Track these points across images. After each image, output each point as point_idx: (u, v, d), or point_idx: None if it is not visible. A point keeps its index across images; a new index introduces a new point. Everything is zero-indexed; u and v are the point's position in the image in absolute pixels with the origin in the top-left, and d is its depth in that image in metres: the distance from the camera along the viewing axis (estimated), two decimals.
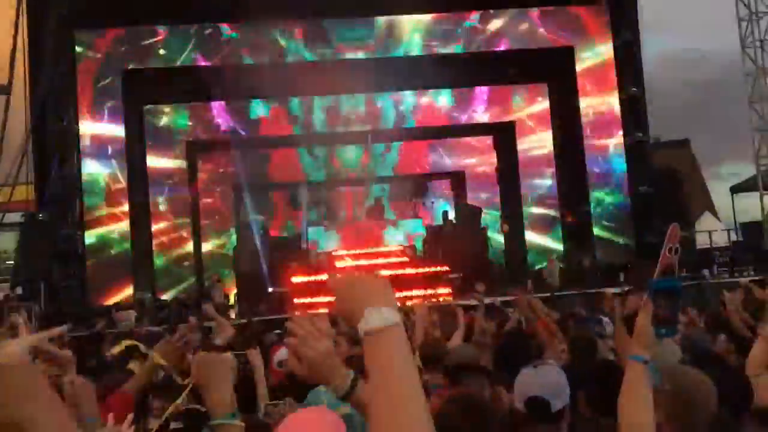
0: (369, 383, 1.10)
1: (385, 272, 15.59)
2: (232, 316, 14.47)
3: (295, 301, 14.98)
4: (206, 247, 19.68)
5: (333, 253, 17.02)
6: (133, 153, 17.31)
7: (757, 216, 18.07)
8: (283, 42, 18.31)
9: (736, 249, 17.74)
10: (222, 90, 17.10)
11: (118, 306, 15.42)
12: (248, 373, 3.85)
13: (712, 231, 19.27)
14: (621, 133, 18.44)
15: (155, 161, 18.53)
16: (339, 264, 16.25)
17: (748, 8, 17.63)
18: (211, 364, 1.84)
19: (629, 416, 1.86)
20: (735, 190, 21.38)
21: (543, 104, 20.10)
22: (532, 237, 19.87)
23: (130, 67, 17.46)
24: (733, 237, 19.50)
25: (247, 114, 19.84)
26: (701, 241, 18.43)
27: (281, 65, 17.96)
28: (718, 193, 27.54)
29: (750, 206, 19.76)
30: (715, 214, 24.37)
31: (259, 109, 19.85)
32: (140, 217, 17.37)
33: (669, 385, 2.35)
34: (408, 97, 20.48)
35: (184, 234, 18.67)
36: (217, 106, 19.41)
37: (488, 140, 21.83)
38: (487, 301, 10.71)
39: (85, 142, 17.03)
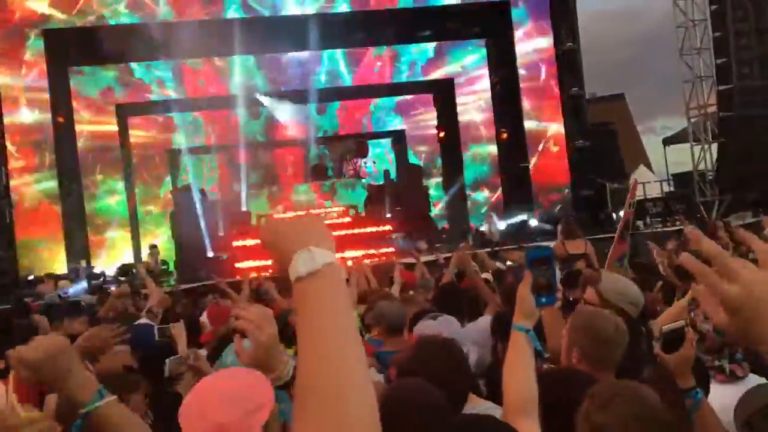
0: (298, 336, 0.94)
1: None
2: (172, 282, 14.19)
3: (237, 265, 14.80)
4: (141, 212, 19.22)
5: (274, 215, 16.82)
6: (59, 115, 16.54)
7: (689, 166, 18.63)
8: None
9: (669, 199, 18.29)
10: (150, 50, 16.44)
11: (57, 276, 14.93)
12: (172, 346, 3.71)
13: (646, 182, 19.81)
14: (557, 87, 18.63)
15: (84, 125, 17.84)
16: None
17: None
18: (49, 358, 1.67)
19: (514, 385, 1.93)
20: (667, 142, 21.96)
21: (481, 61, 20.11)
22: (474, 194, 20.10)
23: (51, 26, 16.59)
24: (666, 188, 20.09)
25: (179, 75, 19.22)
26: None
27: (214, 23, 17.36)
28: (651, 146, 28.36)
29: (682, 157, 20.35)
30: (648, 166, 25.06)
31: (191, 69, 19.24)
32: (71, 183, 16.71)
33: (585, 325, 2.46)
34: (344, 56, 20.18)
35: (118, 200, 18.15)
36: (146, 67, 18.73)
37: (428, 98, 21.82)
38: (430, 258, 10.82)
39: (8, 105, 16.18)
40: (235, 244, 15.30)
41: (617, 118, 25.83)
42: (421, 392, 1.94)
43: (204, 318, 5.20)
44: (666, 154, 21.80)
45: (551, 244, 7.26)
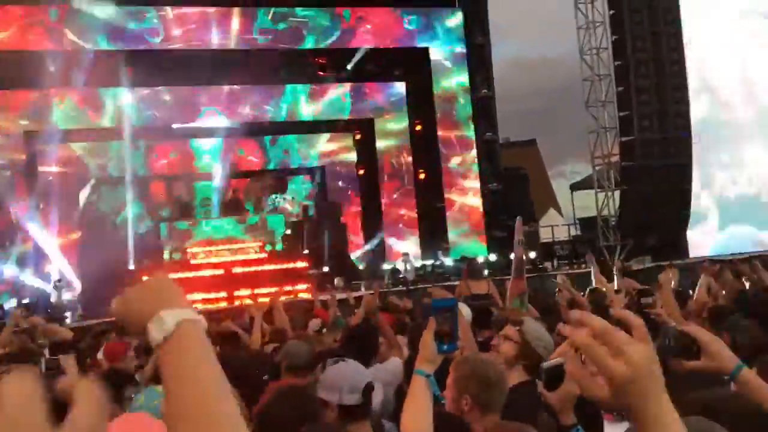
0: (167, 401, 0.92)
1: (242, 269, 15.43)
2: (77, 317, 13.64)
3: None
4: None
5: (188, 250, 16.48)
6: None
7: (594, 212, 19.54)
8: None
9: (575, 242, 19.10)
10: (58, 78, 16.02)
11: None
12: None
13: (554, 226, 20.64)
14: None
15: None
16: (194, 261, 15.79)
17: (586, 17, 18.99)
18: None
19: (410, 425, 2.00)
20: (574, 187, 23.00)
21: (399, 103, 20.59)
22: (390, 233, 20.33)
23: None
24: (573, 231, 20.97)
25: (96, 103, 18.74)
26: (544, 235, 19.68)
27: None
28: (560, 190, 29.57)
29: (588, 202, 21.30)
30: (558, 209, 26.12)
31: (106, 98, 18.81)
32: None
33: (474, 372, 2.57)
34: (271, 91, 20.25)
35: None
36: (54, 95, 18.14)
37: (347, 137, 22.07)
38: (342, 296, 10.88)
39: None
40: (145, 279, 14.85)
41: (529, 162, 26.92)
42: None
43: (100, 355, 5.06)
44: (573, 198, 22.80)
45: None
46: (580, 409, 2.46)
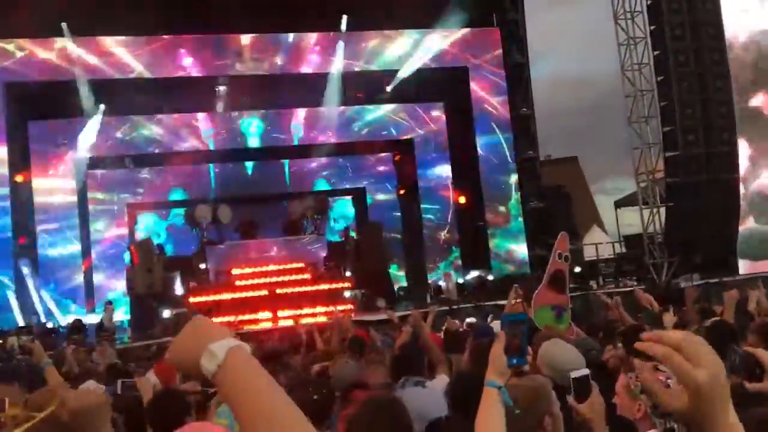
0: (238, 419, 1.03)
1: (286, 290, 15.57)
2: (126, 339, 13.93)
3: None
4: (98, 269, 18.90)
5: (232, 272, 16.71)
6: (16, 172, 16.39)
7: (639, 229, 19.22)
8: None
9: (620, 260, 18.79)
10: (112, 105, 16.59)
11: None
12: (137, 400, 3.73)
13: (599, 244, 20.35)
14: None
15: (40, 181, 17.69)
16: (239, 283, 16.00)
17: (626, 33, 18.84)
18: (88, 411, 1.69)
19: None
20: (619, 204, 22.66)
21: (439, 123, 20.68)
22: (432, 252, 20.33)
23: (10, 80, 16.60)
24: (618, 249, 20.64)
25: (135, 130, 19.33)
26: (588, 253, 19.41)
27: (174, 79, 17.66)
28: (603, 207, 29.15)
29: (633, 219, 20.96)
30: (601, 227, 25.73)
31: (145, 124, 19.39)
32: (26, 238, 16.42)
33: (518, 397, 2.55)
34: (307, 113, 20.58)
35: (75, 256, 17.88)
36: (106, 121, 18.76)
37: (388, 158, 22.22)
38: (384, 317, 10.91)
39: None
40: (192, 300, 15.14)
41: (570, 179, 26.62)
42: None
43: (151, 375, 5.17)
44: (617, 216, 22.47)
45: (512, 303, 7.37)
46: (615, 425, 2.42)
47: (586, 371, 2.50)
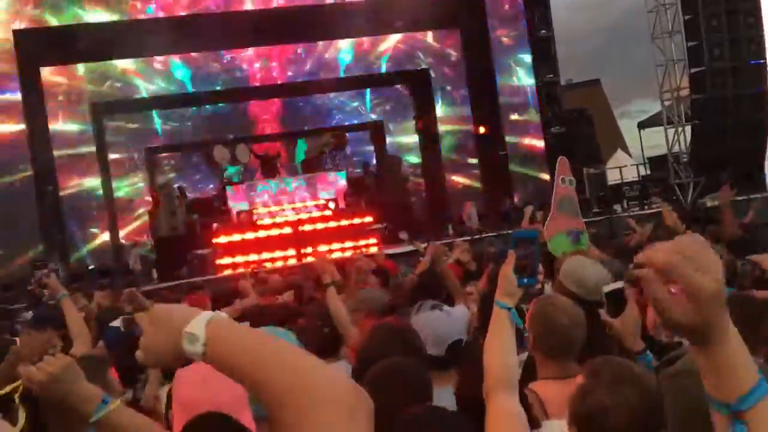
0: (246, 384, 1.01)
1: (309, 227, 15.62)
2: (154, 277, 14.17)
3: (218, 261, 14.78)
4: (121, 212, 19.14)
5: (254, 211, 16.78)
6: (33, 117, 16.36)
7: (664, 149, 18.82)
8: None
9: (645, 182, 18.49)
10: (127, 47, 16.36)
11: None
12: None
13: (622, 167, 20.02)
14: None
15: (59, 125, 17.68)
16: (261, 222, 16.06)
17: None
18: (53, 380, 1.71)
19: (492, 359, 1.95)
20: (642, 125, 22.17)
21: (455, 52, 20.19)
22: (452, 182, 20.20)
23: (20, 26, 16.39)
24: (643, 171, 20.30)
25: (156, 71, 19.13)
26: (612, 177, 19.12)
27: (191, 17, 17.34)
28: (627, 130, 28.62)
29: (657, 140, 20.55)
30: (625, 150, 25.31)
31: (166, 65, 19.16)
32: (47, 183, 16.55)
33: (538, 313, 2.48)
34: (329, 46, 20.23)
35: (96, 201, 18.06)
36: (123, 64, 18.62)
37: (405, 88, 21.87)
38: (410, 248, 10.90)
39: None
40: (216, 241, 15.27)
41: (593, 103, 26.05)
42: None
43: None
44: (641, 137, 22.03)
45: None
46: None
47: (619, 284, 2.40)
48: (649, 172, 20.05)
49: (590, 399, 1.76)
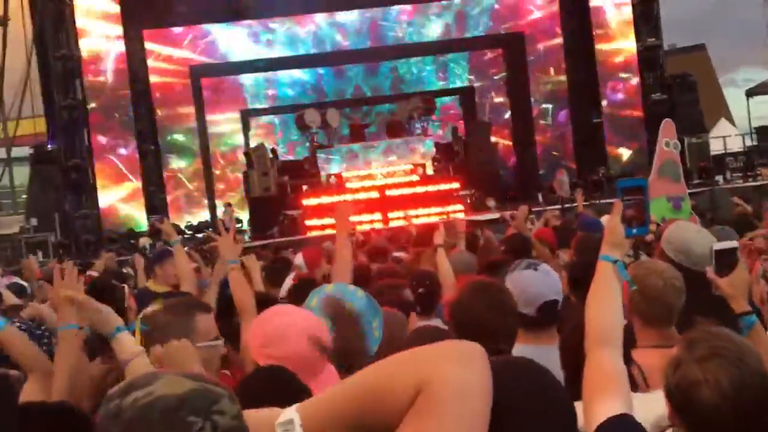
0: None
1: (396, 192, 15.68)
2: (246, 238, 14.65)
3: (307, 222, 15.11)
4: (216, 173, 19.83)
5: (343, 174, 16.98)
6: (136, 78, 17.14)
7: None
8: None
9: (751, 153, 17.49)
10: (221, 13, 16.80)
11: (132, 233, 15.67)
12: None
13: (726, 136, 18.99)
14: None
15: (159, 86, 18.44)
16: (349, 185, 16.25)
17: None
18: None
19: (596, 315, 1.86)
20: (750, 93, 20.95)
21: (552, 9, 19.53)
22: (544, 150, 19.74)
23: None
24: (748, 142, 19.21)
25: (248, 36, 19.55)
26: (715, 147, 18.18)
27: None
28: (733, 99, 26.99)
29: (766, 111, 19.38)
30: (730, 119, 23.96)
31: (258, 30, 19.53)
32: (147, 144, 17.37)
33: (633, 278, 2.39)
34: (407, 13, 20.05)
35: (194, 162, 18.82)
36: (216, 30, 19.10)
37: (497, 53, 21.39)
38: (495, 215, 10.78)
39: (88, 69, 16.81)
40: (305, 202, 15.59)
41: (697, 69, 24.64)
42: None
43: (299, 260, 5.30)
44: (749, 106, 20.81)
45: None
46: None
47: (732, 243, 2.29)
48: (755, 143, 18.94)
49: (681, 372, 1.66)
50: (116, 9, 16.85)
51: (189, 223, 16.89)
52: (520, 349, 2.42)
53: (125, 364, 1.93)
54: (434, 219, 13.43)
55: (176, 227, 16.22)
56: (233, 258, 3.07)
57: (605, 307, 1.86)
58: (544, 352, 2.40)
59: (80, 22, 16.47)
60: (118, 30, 16.87)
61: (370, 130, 19.68)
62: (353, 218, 14.38)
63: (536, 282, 2.66)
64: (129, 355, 1.93)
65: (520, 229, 5.68)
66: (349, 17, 19.90)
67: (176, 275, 4.16)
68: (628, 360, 2.11)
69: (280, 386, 1.68)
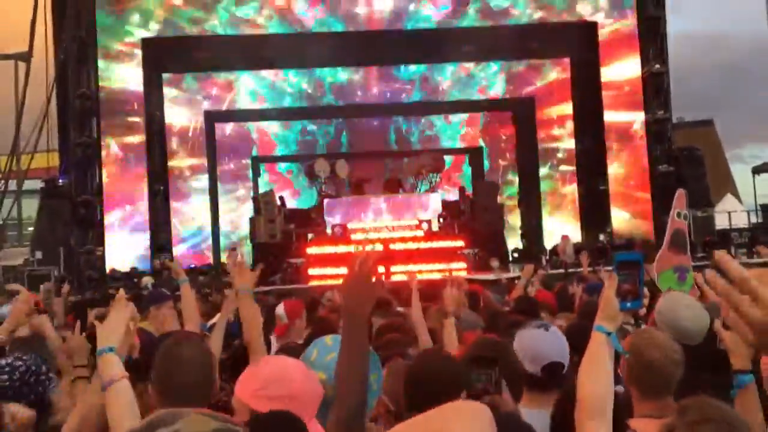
0: None
1: (400, 246, 15.71)
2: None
3: (310, 271, 15.10)
4: (223, 216, 19.96)
5: (348, 226, 17.05)
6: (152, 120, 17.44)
7: None
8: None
9: (755, 230, 17.52)
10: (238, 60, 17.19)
11: (136, 271, 15.68)
12: None
13: (732, 212, 19.09)
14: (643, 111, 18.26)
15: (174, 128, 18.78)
16: (355, 237, 16.30)
17: None
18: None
19: (587, 385, 1.90)
20: (757, 170, 21.12)
21: (563, 78, 19.90)
22: (548, 213, 19.83)
23: (148, 35, 17.51)
24: (753, 219, 19.28)
25: (266, 85, 19.94)
26: (720, 222, 18.23)
27: (302, 36, 17.99)
28: (739, 175, 27.22)
29: None
30: (736, 195, 24.09)
31: (275, 79, 19.95)
32: (158, 183, 17.55)
33: (633, 345, 2.41)
34: (426, 72, 20.46)
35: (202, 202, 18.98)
36: (234, 76, 19.52)
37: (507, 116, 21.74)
38: (495, 276, 10.77)
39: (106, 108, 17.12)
40: (309, 251, 15.62)
41: (705, 144, 24.92)
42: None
43: (280, 310, 5.33)
44: (755, 183, 20.96)
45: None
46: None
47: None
48: (761, 219, 19.01)
49: None
50: (138, 52, 17.27)
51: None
52: (522, 412, 2.43)
53: (108, 385, 1.99)
54: (437, 276, 13.45)
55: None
56: (246, 288, 3.05)
57: (596, 378, 1.90)
58: (543, 416, 2.41)
59: (102, 63, 16.89)
60: (138, 73, 17.23)
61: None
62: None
63: (544, 342, 2.68)
64: (112, 377, 2.01)
65: (523, 288, 5.69)
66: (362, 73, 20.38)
67: (169, 320, 4.23)
68: (624, 429, 2.12)
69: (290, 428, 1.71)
